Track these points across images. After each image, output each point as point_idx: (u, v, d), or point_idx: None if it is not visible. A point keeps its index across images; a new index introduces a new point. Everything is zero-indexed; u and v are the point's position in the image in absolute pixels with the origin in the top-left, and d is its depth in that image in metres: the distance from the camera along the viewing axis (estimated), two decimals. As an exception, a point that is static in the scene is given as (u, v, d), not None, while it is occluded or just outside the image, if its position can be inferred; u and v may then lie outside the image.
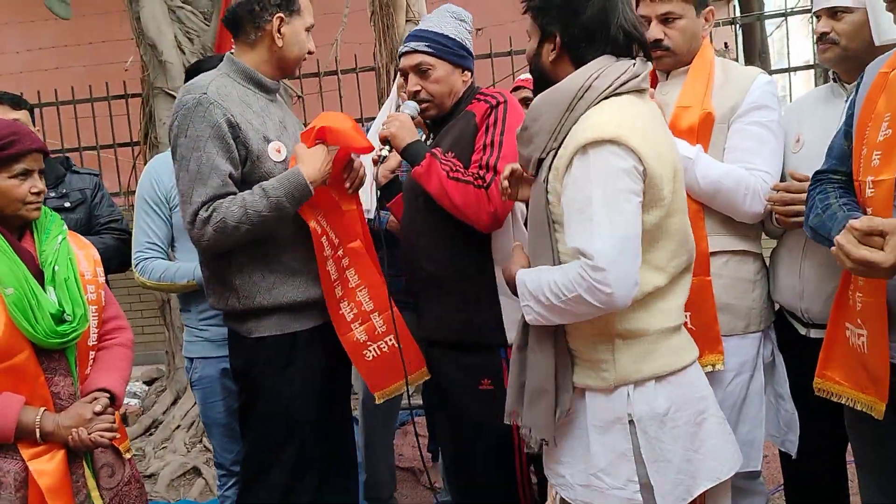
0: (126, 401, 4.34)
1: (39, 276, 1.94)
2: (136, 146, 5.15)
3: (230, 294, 2.16)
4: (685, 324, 1.86)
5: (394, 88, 2.81)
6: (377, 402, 2.34)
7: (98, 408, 1.93)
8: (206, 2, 4.14)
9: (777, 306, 2.25)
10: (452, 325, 2.22)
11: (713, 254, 2.08)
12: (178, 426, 4.27)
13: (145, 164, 4.06)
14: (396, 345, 2.23)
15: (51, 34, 6.95)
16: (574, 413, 1.70)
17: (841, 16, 2.02)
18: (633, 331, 1.64)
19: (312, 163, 2.07)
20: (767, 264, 2.25)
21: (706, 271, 2.05)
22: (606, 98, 1.60)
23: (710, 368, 2.06)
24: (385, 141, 2.20)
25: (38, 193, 1.95)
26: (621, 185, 1.52)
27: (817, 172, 1.82)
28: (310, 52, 2.23)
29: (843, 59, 2.03)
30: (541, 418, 1.68)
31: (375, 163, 2.22)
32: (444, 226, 2.16)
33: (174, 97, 3.88)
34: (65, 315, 1.91)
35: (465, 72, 2.27)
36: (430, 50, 2.21)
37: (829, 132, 1.90)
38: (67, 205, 2.86)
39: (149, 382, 5.05)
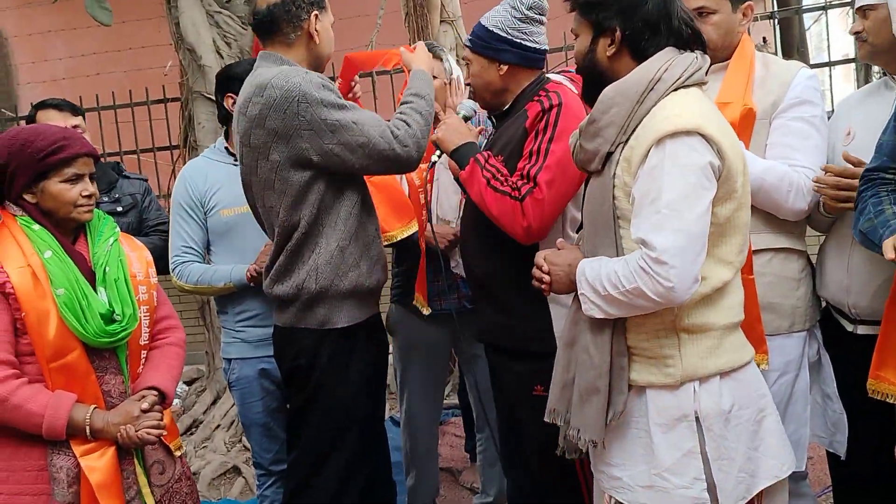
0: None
1: (91, 277, 1.99)
2: (176, 150, 5.24)
3: (308, 277, 2.14)
4: None
5: None
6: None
7: (145, 405, 1.97)
8: (244, 7, 4.20)
9: (823, 304, 2.22)
10: (502, 331, 2.21)
11: (756, 252, 2.05)
12: (218, 426, 4.32)
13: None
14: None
15: (92, 41, 7.09)
16: (630, 412, 1.67)
17: (868, 13, 2.04)
18: (701, 325, 1.62)
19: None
20: (812, 262, 2.21)
21: (749, 269, 2.02)
22: (676, 90, 1.60)
23: None
24: (435, 144, 2.21)
25: (89, 196, 2.00)
26: (696, 181, 1.52)
27: (867, 170, 1.80)
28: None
29: (874, 54, 2.05)
30: (591, 419, 1.66)
31: (432, 165, 2.31)
32: (492, 231, 2.12)
33: (212, 100, 3.93)
34: (114, 315, 1.96)
35: (503, 65, 2.16)
36: (469, 44, 2.21)
37: (880, 125, 1.89)
38: (120, 209, 2.94)
39: (189, 382, 5.13)
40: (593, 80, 1.72)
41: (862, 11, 2.07)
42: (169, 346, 2.16)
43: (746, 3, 2.15)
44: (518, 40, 2.14)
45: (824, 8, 5.51)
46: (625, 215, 1.62)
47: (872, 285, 1.96)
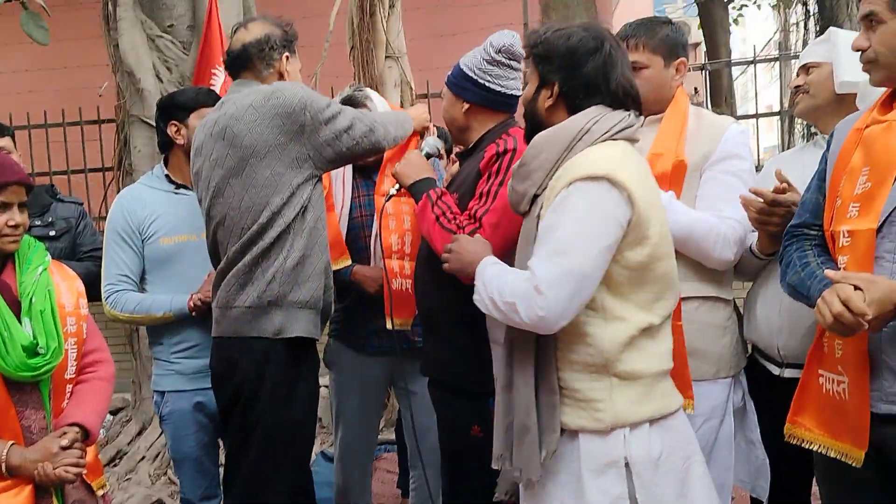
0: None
1: (16, 307, 1.92)
2: (108, 172, 5.11)
3: (274, 280, 2.20)
4: None
5: None
6: (388, 326, 2.58)
7: (65, 442, 1.90)
8: (186, 32, 4.16)
9: (749, 350, 2.30)
10: (444, 367, 2.23)
11: (684, 299, 2.11)
12: (143, 457, 4.19)
13: (118, 190, 4.05)
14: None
15: (25, 57, 6.89)
16: (563, 456, 1.70)
17: (812, 70, 2.21)
18: (630, 372, 1.67)
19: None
20: (740, 309, 2.30)
21: (678, 316, 2.09)
22: (604, 142, 1.69)
23: None
24: (395, 177, 2.28)
25: (14, 226, 1.93)
26: (593, 224, 1.60)
27: (792, 226, 1.89)
28: None
29: (814, 108, 2.20)
30: (527, 457, 1.68)
31: (388, 198, 2.37)
32: (440, 266, 2.12)
33: (151, 125, 3.87)
34: (38, 348, 1.89)
35: (465, 103, 2.20)
36: (446, 79, 2.27)
37: (805, 178, 1.97)
38: (52, 233, 2.86)
39: (114, 412, 4.95)
40: (533, 125, 1.82)
41: (805, 68, 2.23)
42: (97, 380, 2.09)
43: (679, 60, 2.24)
44: (483, 81, 2.18)
45: (752, 62, 5.79)
46: None
47: (803, 327, 2.03)
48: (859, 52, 1.68)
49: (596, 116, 1.70)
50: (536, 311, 1.59)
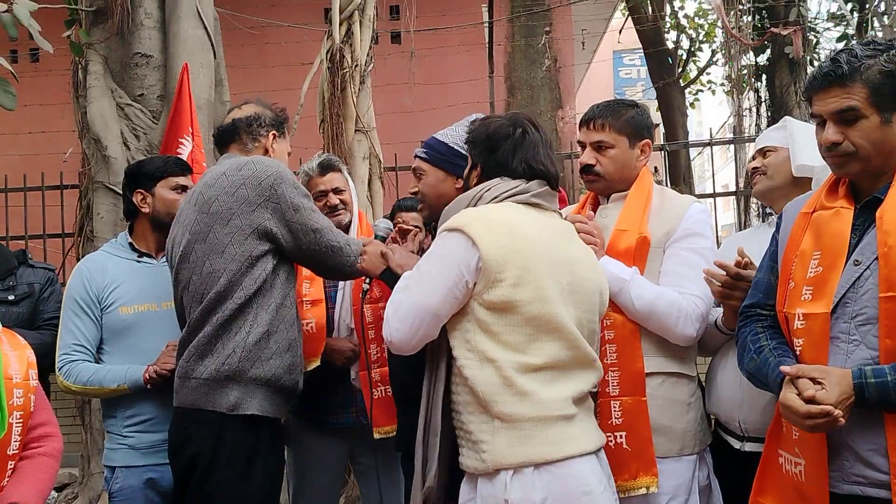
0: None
1: None
2: (69, 237, 5.03)
3: (233, 354, 2.18)
4: (620, 445, 1.97)
5: None
6: (375, 436, 2.58)
7: None
8: (156, 101, 4.18)
9: (712, 426, 2.30)
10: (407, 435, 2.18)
11: (648, 374, 2.13)
12: (88, 537, 3.99)
13: (78, 257, 3.98)
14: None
15: (-12, 121, 6.85)
16: (465, 498, 1.83)
17: (769, 153, 2.33)
18: (510, 415, 1.77)
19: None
20: (703, 385, 2.31)
21: (642, 391, 2.10)
22: (496, 204, 1.93)
23: (644, 491, 2.07)
24: (364, 273, 2.33)
25: None
26: (439, 267, 1.84)
27: (745, 307, 1.93)
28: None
29: (770, 189, 2.31)
30: (414, 494, 1.83)
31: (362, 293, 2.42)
32: None
33: (115, 192, 3.84)
34: None
35: (459, 179, 2.27)
36: (425, 156, 2.32)
37: (760, 256, 2.03)
38: (11, 297, 2.79)
39: (59, 489, 4.73)
40: None
41: (762, 152, 2.37)
42: (41, 456, 2.00)
43: (644, 141, 2.32)
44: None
45: (709, 143, 6.00)
46: None
47: (763, 400, 2.05)
48: (829, 144, 1.70)
49: (489, 185, 1.97)
50: (389, 333, 1.86)
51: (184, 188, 2.64)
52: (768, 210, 2.43)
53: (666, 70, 10.24)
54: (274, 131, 2.46)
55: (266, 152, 2.44)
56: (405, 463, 2.30)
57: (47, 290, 2.89)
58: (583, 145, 2.32)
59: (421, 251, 2.34)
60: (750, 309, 1.91)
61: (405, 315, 1.84)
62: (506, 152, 1.99)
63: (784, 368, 1.65)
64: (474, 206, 1.94)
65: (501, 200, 1.93)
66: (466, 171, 2.09)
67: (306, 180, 2.90)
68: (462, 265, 1.81)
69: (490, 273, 1.80)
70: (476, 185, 2.02)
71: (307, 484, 2.84)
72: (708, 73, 12.58)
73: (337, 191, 2.87)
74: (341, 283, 2.82)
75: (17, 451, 1.94)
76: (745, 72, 9.47)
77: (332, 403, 2.72)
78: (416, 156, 2.36)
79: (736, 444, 2.17)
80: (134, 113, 4.15)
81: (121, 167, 4.00)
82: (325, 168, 2.88)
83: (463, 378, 1.82)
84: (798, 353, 1.72)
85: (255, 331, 2.18)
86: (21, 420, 1.94)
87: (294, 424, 2.83)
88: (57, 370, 2.56)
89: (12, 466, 1.93)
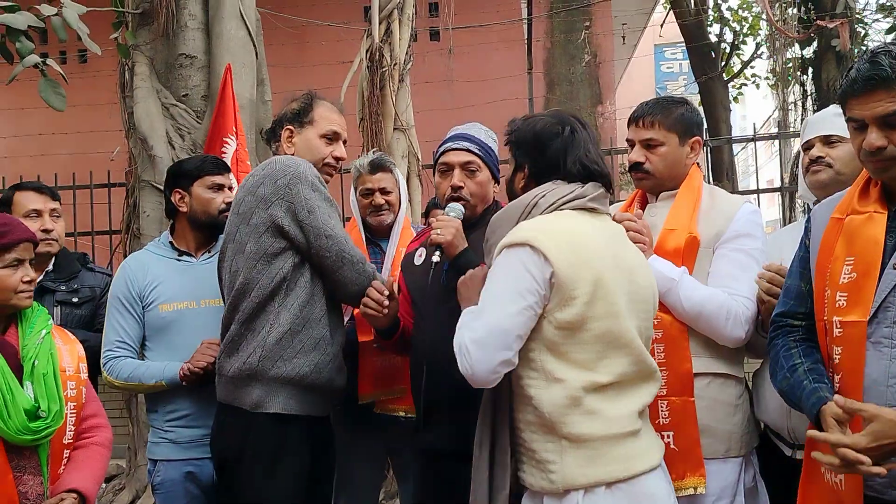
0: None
1: (19, 370, 1.92)
2: (115, 235, 5.15)
3: (254, 352, 2.18)
4: (668, 445, 1.91)
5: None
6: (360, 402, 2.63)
7: None
8: (200, 101, 4.26)
9: (762, 428, 2.26)
10: (465, 433, 2.10)
11: (695, 375, 2.10)
12: (135, 528, 4.08)
13: (125, 254, 4.07)
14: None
15: (38, 121, 7.05)
16: None
17: (835, 144, 2.20)
18: (579, 435, 1.70)
19: None
20: (749, 387, 2.27)
21: (690, 392, 2.07)
22: (551, 212, 1.83)
23: (691, 491, 2.05)
24: (437, 246, 2.15)
25: (29, 282, 1.96)
26: (516, 284, 1.73)
27: (777, 316, 1.88)
28: (337, 158, 2.45)
29: (836, 182, 2.14)
30: None
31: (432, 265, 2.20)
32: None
33: (161, 190, 3.92)
34: (39, 411, 1.88)
35: (496, 185, 2.34)
36: (479, 153, 2.27)
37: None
38: (75, 300, 2.87)
39: (107, 479, 4.85)
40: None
41: (826, 140, 2.21)
42: (94, 445, 2.07)
43: (694, 138, 2.28)
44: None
45: (752, 139, 5.89)
46: None
47: None
48: (874, 149, 1.64)
49: (543, 191, 1.85)
50: (467, 363, 1.73)
51: (220, 187, 2.67)
52: (812, 206, 2.34)
53: (709, 64, 10.08)
54: (290, 126, 2.43)
55: (286, 150, 2.43)
56: (441, 462, 2.22)
57: (105, 293, 2.94)
58: (631, 143, 2.27)
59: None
60: (782, 319, 1.86)
61: (485, 343, 1.71)
62: (557, 152, 1.88)
63: (837, 401, 1.59)
64: (528, 214, 1.83)
65: (558, 208, 1.83)
66: (511, 173, 1.97)
67: (357, 176, 2.92)
68: (538, 280, 1.72)
69: (563, 290, 1.71)
70: (523, 189, 1.91)
71: (347, 477, 2.86)
72: (752, 67, 12.38)
73: (384, 191, 2.87)
74: (387, 255, 2.86)
75: (71, 441, 2.01)
76: (790, 65, 9.29)
77: (367, 401, 2.73)
78: (467, 149, 2.26)
79: (787, 451, 2.13)
80: (179, 113, 4.23)
81: (166, 166, 4.08)
82: (376, 167, 2.88)
83: (526, 397, 1.75)
84: (836, 362, 1.68)
85: (276, 329, 2.18)
86: (75, 411, 2.01)
87: (334, 417, 2.86)
88: (102, 366, 2.63)
89: (68, 455, 2.00)
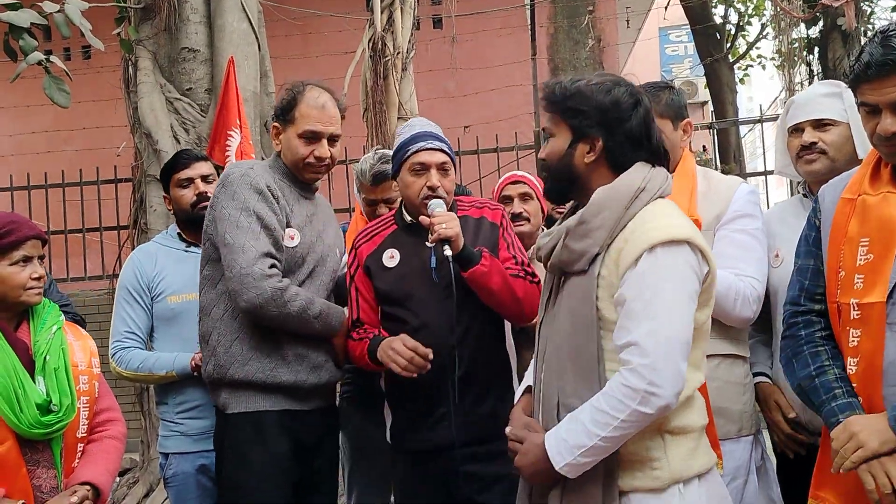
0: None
1: (31, 365, 1.94)
2: (123, 230, 5.17)
3: (210, 359, 2.26)
4: None
5: None
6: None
7: (75, 499, 1.89)
8: (204, 95, 4.26)
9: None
10: (485, 421, 2.15)
11: (706, 357, 2.09)
12: (150, 520, 4.12)
13: (132, 248, 4.09)
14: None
15: (44, 119, 7.06)
16: None
17: (828, 128, 2.13)
18: (683, 427, 1.63)
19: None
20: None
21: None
22: (654, 200, 1.66)
23: None
24: (445, 241, 2.10)
25: (38, 279, 1.98)
26: (688, 288, 1.58)
27: (792, 301, 1.82)
28: (318, 158, 2.31)
29: (831, 171, 2.06)
30: None
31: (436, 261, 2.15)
32: (484, 325, 2.22)
33: (167, 185, 3.93)
34: (51, 405, 1.90)
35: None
36: (448, 152, 2.27)
37: None
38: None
39: (121, 473, 4.89)
40: (564, 181, 1.74)
41: (819, 125, 2.13)
42: (108, 439, 2.09)
43: (686, 121, 2.26)
44: None
45: (759, 120, 5.85)
46: (605, 316, 1.62)
47: None
48: (889, 134, 1.60)
49: (646, 174, 1.65)
50: (656, 391, 1.51)
51: (189, 181, 2.69)
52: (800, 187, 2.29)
53: (714, 46, 10.00)
54: (276, 123, 2.37)
55: (278, 146, 2.38)
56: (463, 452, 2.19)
57: (51, 286, 2.94)
58: None
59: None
60: (800, 304, 1.80)
61: (671, 359, 1.53)
62: (639, 127, 1.66)
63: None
64: (634, 201, 1.63)
65: (657, 196, 1.66)
66: (563, 143, 1.71)
67: (359, 183, 2.84)
68: (699, 281, 1.61)
69: (709, 291, 1.65)
70: (591, 166, 1.68)
71: (360, 470, 2.87)
72: (758, 48, 12.28)
73: (387, 201, 2.78)
74: None
75: (85, 434, 2.03)
76: (796, 45, 9.21)
77: (379, 393, 2.73)
78: (441, 149, 2.23)
79: (809, 439, 2.12)
80: (183, 107, 4.24)
81: (172, 160, 4.10)
82: (377, 179, 2.74)
83: None
84: (854, 345, 1.65)
85: (224, 340, 2.23)
86: (88, 405, 2.03)
87: (346, 411, 2.87)
88: (110, 357, 2.64)
89: (82, 448, 2.02)
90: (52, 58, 3.26)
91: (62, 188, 5.55)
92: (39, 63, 3.17)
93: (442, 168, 2.23)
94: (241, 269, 2.13)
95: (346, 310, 2.33)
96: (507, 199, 2.83)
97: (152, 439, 4.27)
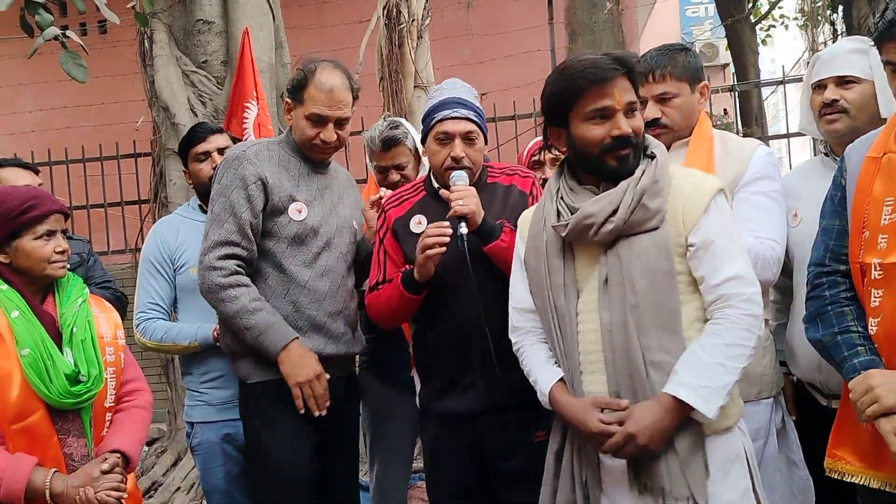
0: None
1: (58, 337, 1.97)
2: (144, 204, 5.22)
3: (226, 331, 2.31)
4: None
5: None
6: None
7: (105, 466, 1.93)
8: (220, 67, 4.26)
9: (795, 379, 2.26)
10: (513, 387, 2.11)
11: None
12: (178, 488, 4.22)
13: (154, 222, 4.13)
14: None
15: (62, 95, 7.08)
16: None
17: (850, 85, 2.09)
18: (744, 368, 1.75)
19: (300, 367, 2.20)
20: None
21: None
22: None
23: None
24: (462, 218, 2.08)
25: (62, 252, 2.01)
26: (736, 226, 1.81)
27: (817, 262, 1.80)
28: (324, 142, 2.32)
29: (852, 130, 2.05)
30: (699, 481, 1.67)
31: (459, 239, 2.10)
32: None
33: (186, 158, 3.95)
34: (80, 375, 1.94)
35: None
36: (476, 120, 2.22)
37: None
38: (68, 266, 2.91)
39: (149, 443, 4.99)
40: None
41: (842, 82, 2.10)
42: (135, 408, 2.13)
43: (702, 83, 2.24)
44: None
45: (782, 82, 5.74)
46: (679, 268, 1.74)
47: None
48: None
49: None
50: (758, 311, 1.72)
51: (206, 154, 2.72)
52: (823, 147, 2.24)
53: (735, 6, 9.78)
54: (288, 99, 2.38)
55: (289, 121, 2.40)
56: (490, 419, 2.21)
57: (90, 258, 2.99)
58: (643, 101, 2.14)
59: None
60: (826, 265, 1.78)
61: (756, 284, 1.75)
62: None
63: None
64: None
65: None
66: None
67: (369, 151, 2.83)
68: None
69: None
70: None
71: (381, 438, 2.91)
72: (780, 8, 11.99)
73: (398, 167, 2.77)
74: None
75: (112, 404, 2.07)
76: (819, 4, 8.99)
77: (402, 360, 2.76)
78: (466, 118, 2.20)
79: (823, 402, 2.12)
80: (199, 80, 4.24)
81: (190, 133, 4.11)
82: (387, 144, 2.74)
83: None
84: (875, 305, 1.64)
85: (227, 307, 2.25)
86: (114, 375, 2.07)
87: (366, 380, 2.90)
88: (135, 327, 2.69)
89: (110, 418, 2.06)
90: (69, 32, 3.26)
91: (83, 164, 5.59)
92: (56, 38, 3.17)
93: (467, 137, 2.20)
94: (200, 255, 2.25)
95: (291, 337, 2.23)
96: (537, 164, 2.80)
97: (178, 409, 4.35)
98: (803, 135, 6.25)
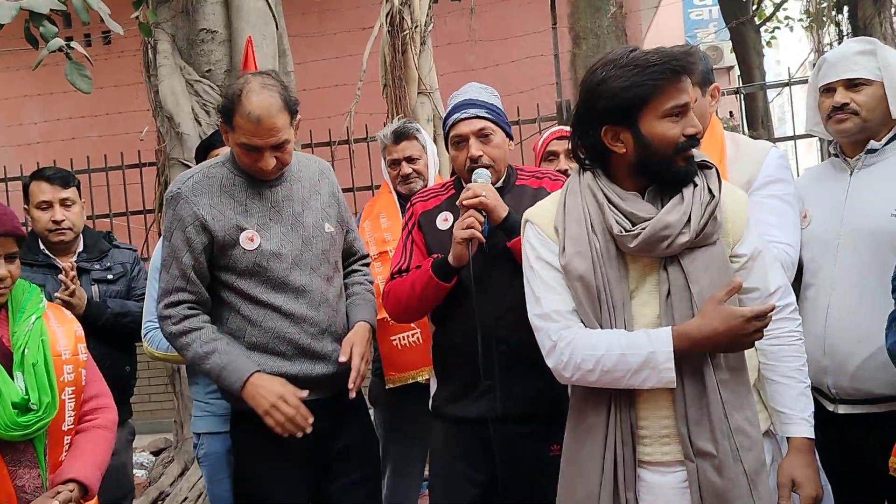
0: (133, 472, 4.28)
1: (8, 359, 1.86)
2: (150, 214, 5.22)
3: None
4: None
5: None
6: (387, 386, 2.70)
7: (57, 501, 1.80)
8: (223, 76, 4.25)
9: None
10: (531, 396, 2.11)
11: None
12: (186, 498, 4.19)
13: (159, 232, 4.12)
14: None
15: (67, 106, 7.11)
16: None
17: (860, 88, 2.07)
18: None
19: (260, 396, 2.07)
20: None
21: None
22: None
23: None
24: (479, 211, 2.06)
25: (1, 279, 1.88)
26: None
27: None
28: (262, 169, 2.13)
29: (862, 130, 2.06)
30: (766, 494, 1.66)
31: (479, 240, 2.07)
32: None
33: (190, 167, 3.95)
34: (30, 404, 1.82)
35: (511, 142, 2.27)
36: (489, 116, 2.20)
37: (835, 208, 1.94)
38: (110, 277, 2.93)
39: (156, 453, 4.99)
40: None
41: (851, 85, 2.08)
42: (96, 428, 2.00)
43: (713, 85, 2.22)
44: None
45: (787, 84, 5.71)
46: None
47: (851, 366, 1.97)
48: None
49: None
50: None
51: None
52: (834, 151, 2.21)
53: (739, 8, 9.76)
54: (223, 121, 2.16)
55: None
56: (501, 427, 2.15)
57: (136, 268, 3.04)
58: None
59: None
60: None
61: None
62: None
63: None
64: None
65: None
66: None
67: (382, 147, 2.89)
68: None
69: None
70: None
71: (393, 445, 2.90)
72: (785, 9, 11.97)
73: (410, 160, 2.83)
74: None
75: (72, 426, 1.94)
76: (824, 5, 8.96)
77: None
78: (476, 116, 2.18)
79: (829, 406, 2.08)
80: (203, 89, 4.24)
81: (194, 143, 4.11)
82: (399, 136, 2.83)
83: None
84: None
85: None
86: (73, 395, 1.94)
87: (376, 388, 2.89)
88: (143, 336, 2.67)
89: (68, 441, 1.93)
90: (73, 44, 3.27)
91: (88, 174, 5.59)
92: (60, 49, 3.17)
93: (481, 134, 2.18)
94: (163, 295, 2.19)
95: (249, 373, 2.11)
96: (551, 156, 2.77)
97: (185, 419, 4.33)
98: (810, 137, 6.23)
